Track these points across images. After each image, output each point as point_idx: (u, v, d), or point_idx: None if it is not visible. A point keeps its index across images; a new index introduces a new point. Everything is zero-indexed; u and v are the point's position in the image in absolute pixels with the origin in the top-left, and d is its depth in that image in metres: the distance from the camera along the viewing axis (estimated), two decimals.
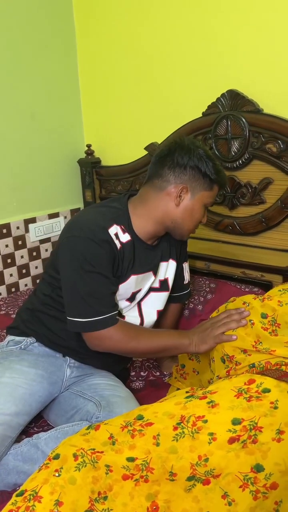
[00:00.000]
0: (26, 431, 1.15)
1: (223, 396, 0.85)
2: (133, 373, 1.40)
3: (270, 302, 1.06)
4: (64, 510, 0.73)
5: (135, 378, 1.37)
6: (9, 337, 1.26)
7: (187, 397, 0.88)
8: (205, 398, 0.85)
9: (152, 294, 1.26)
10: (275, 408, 0.80)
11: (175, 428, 0.80)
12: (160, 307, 1.29)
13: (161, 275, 1.27)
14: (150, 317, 1.27)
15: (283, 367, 0.93)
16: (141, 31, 1.80)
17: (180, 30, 1.68)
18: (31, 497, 0.75)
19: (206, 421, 0.80)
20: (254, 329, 1.01)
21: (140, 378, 1.38)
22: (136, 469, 0.78)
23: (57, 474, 0.77)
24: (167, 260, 1.28)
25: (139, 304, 1.24)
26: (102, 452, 0.80)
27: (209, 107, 1.61)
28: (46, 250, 2.07)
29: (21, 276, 1.98)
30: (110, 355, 1.15)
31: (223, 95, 1.56)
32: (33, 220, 1.98)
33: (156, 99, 1.83)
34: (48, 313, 1.22)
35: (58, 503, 0.74)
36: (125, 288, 1.17)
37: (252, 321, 1.03)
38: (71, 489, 0.75)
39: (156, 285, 1.27)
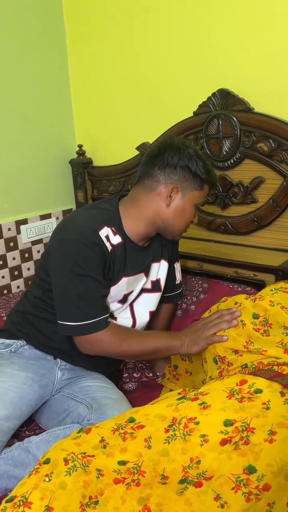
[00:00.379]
0: (18, 435, 1.14)
1: (215, 397, 0.85)
2: (125, 375, 1.39)
3: (262, 302, 1.06)
4: None
5: (127, 380, 1.37)
6: None
7: (178, 399, 0.87)
8: (197, 400, 0.85)
9: (144, 295, 1.26)
10: (267, 408, 0.79)
11: (167, 431, 0.80)
12: (153, 308, 1.29)
13: (153, 276, 1.26)
14: (143, 318, 1.26)
15: (275, 367, 0.92)
16: (132, 31, 1.79)
17: (171, 29, 1.67)
18: (21, 503, 0.73)
19: (198, 423, 0.79)
20: (245, 330, 1.01)
21: (133, 380, 1.37)
22: (127, 472, 0.77)
23: (47, 479, 0.76)
24: (158, 261, 1.27)
25: (131, 305, 1.24)
26: (93, 456, 0.79)
27: (200, 106, 1.61)
28: (38, 251, 2.05)
29: (13, 278, 1.96)
30: (102, 357, 1.14)
31: (214, 94, 1.56)
32: (24, 222, 1.96)
33: (147, 99, 1.82)
34: (39, 315, 1.21)
35: (48, 508, 0.73)
36: (117, 290, 1.16)
37: (243, 322, 1.02)
38: (62, 494, 0.74)
39: (148, 286, 1.26)
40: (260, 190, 1.55)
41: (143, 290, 1.25)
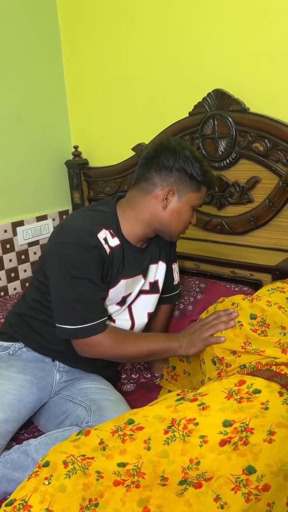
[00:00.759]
0: (17, 438, 1.14)
1: (214, 398, 0.85)
2: (124, 376, 1.39)
3: (259, 302, 1.06)
4: None
5: (126, 381, 1.37)
6: None
7: (177, 400, 0.87)
8: (196, 401, 0.85)
9: (142, 296, 1.25)
10: (266, 409, 0.79)
11: (166, 432, 0.80)
12: (151, 309, 1.29)
13: (151, 278, 1.26)
14: (141, 320, 1.26)
15: (274, 367, 0.92)
16: (128, 31, 1.79)
17: (167, 30, 1.67)
18: (21, 506, 0.73)
19: (197, 424, 0.79)
20: (243, 330, 1.01)
21: (131, 381, 1.37)
22: (127, 474, 0.77)
23: (47, 482, 0.76)
24: (156, 262, 1.27)
25: (129, 307, 1.24)
26: (92, 458, 0.79)
27: (195, 106, 1.61)
28: (35, 253, 2.05)
29: (10, 280, 1.96)
30: (100, 359, 1.14)
31: (209, 94, 1.56)
32: (21, 223, 1.96)
33: (143, 100, 1.82)
34: (37, 317, 1.20)
35: (48, 511, 0.73)
36: (115, 292, 1.16)
37: (240, 323, 1.02)
38: (62, 497, 0.74)
39: (146, 287, 1.26)
40: (256, 190, 1.56)
41: (141, 292, 1.24)
